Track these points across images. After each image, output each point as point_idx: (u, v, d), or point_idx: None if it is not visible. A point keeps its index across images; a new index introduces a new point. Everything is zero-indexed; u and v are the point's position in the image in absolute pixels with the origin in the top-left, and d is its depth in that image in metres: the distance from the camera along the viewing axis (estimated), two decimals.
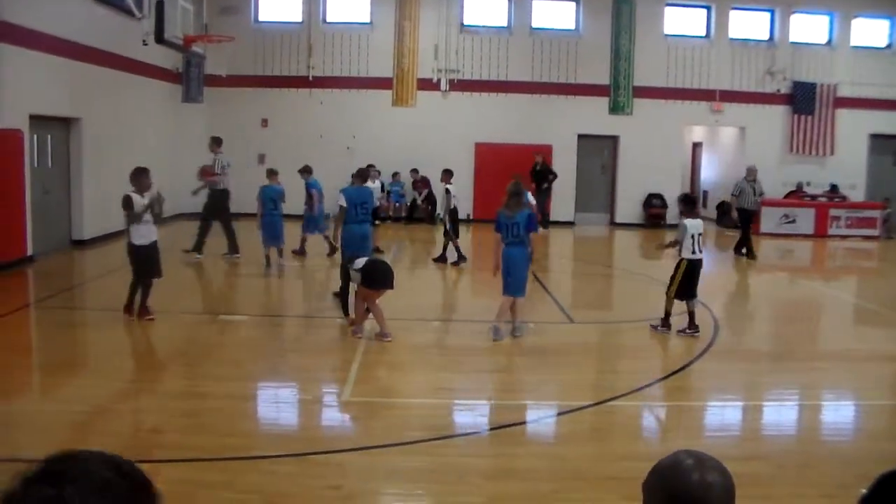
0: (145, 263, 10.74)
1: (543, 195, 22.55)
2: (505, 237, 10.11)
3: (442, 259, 16.19)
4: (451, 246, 16.13)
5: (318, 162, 22.21)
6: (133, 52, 18.21)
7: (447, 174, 16.49)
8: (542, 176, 22.85)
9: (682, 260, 10.44)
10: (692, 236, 10.33)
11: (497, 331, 10.16)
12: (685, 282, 10.43)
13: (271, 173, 15.65)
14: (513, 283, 10.21)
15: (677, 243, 10.54)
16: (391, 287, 10.06)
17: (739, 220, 18.55)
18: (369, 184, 14.08)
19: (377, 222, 16.09)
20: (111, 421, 7.10)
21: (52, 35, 15.19)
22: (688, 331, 10.47)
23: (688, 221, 10.45)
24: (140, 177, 10.50)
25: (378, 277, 9.94)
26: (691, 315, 10.52)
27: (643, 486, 1.96)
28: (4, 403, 7.43)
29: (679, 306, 10.64)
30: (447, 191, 16.18)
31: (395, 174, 23.80)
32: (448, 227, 16.03)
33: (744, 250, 18.35)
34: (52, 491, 1.25)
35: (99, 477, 1.30)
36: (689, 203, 10.97)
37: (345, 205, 11.52)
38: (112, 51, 17.73)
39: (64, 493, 1.25)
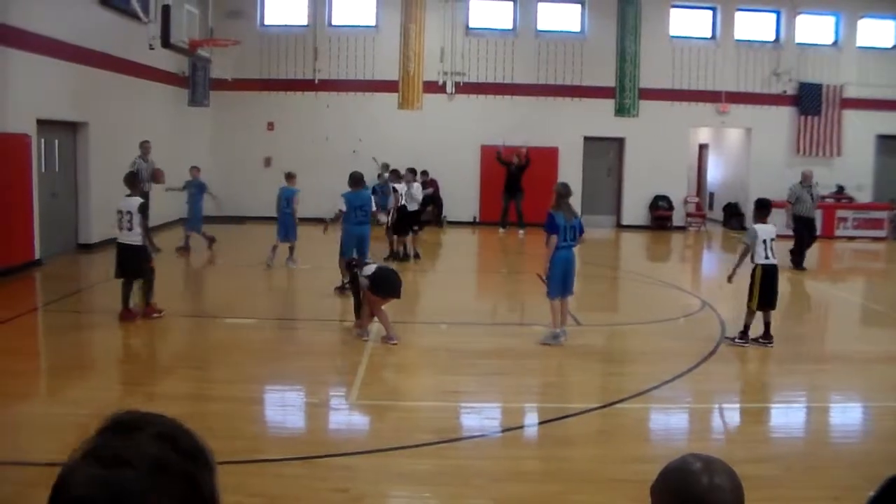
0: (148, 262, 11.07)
1: (520, 194, 22.18)
2: (563, 240, 10.03)
3: (394, 257, 16.44)
4: (407, 242, 16.72)
5: (324, 165, 22.37)
6: (139, 56, 18.26)
7: (411, 174, 17.20)
8: (518, 176, 22.35)
9: (756, 266, 10.17)
10: (764, 241, 10.09)
11: (559, 335, 10.11)
12: (765, 290, 10.13)
13: (289, 176, 16.18)
14: (570, 285, 10.28)
15: (747, 250, 10.29)
16: (398, 296, 10.09)
17: (797, 228, 17.15)
18: (402, 186, 15.85)
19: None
20: None
21: (58, 40, 15.24)
22: (761, 340, 10.18)
23: (758, 226, 10.21)
24: (135, 180, 11.29)
25: (386, 286, 9.97)
26: (767, 325, 10.21)
27: (651, 489, 1.95)
28: (12, 406, 7.45)
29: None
30: (394, 189, 16.64)
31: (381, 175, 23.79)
32: (389, 225, 16.56)
33: (797, 259, 17.06)
34: (107, 472, 1.20)
35: (155, 456, 1.24)
36: (764, 208, 10.61)
37: (344, 208, 12.27)
38: (118, 55, 17.77)
39: (118, 476, 1.20)
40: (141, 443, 1.26)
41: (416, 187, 16.84)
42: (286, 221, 15.63)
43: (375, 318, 10.17)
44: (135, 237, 10.81)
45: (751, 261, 10.30)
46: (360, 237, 12.58)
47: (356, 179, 12.95)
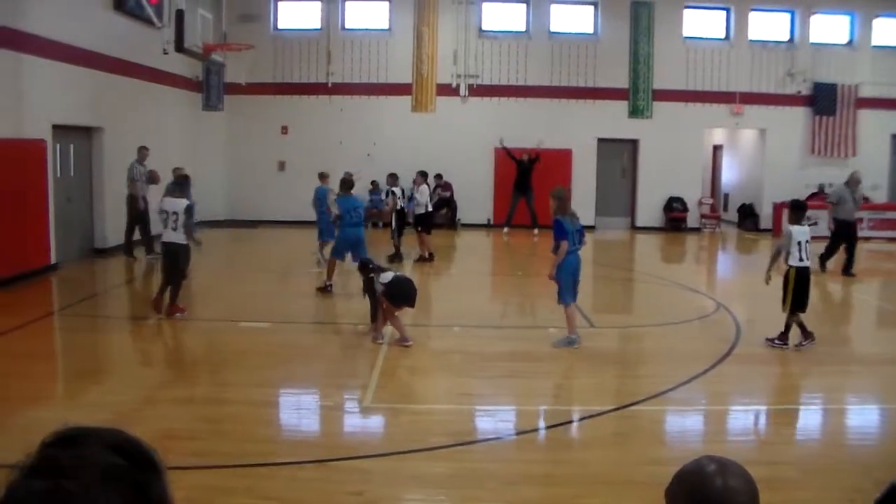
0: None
1: (531, 193, 22.04)
2: (572, 244, 10.04)
3: (398, 258, 16.66)
4: (422, 243, 16.93)
5: (337, 169, 22.41)
6: (153, 61, 18.34)
7: (421, 177, 17.23)
8: (530, 172, 22.29)
9: (790, 268, 10.07)
10: (798, 243, 10.00)
11: (574, 341, 10.10)
12: (798, 293, 10.03)
13: (322, 176, 16.75)
14: (577, 289, 10.31)
15: (779, 251, 10.18)
16: (412, 306, 10.16)
17: (837, 232, 16.38)
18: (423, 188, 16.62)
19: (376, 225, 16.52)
20: (133, 427, 7.00)
21: (73, 45, 15.34)
22: (804, 343, 10.09)
23: (794, 228, 10.11)
24: (186, 184, 12.12)
25: (401, 295, 10.02)
26: (802, 326, 10.13)
27: (666, 492, 1.94)
28: (29, 410, 7.48)
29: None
30: (391, 192, 16.92)
31: (374, 181, 23.82)
32: (394, 227, 16.94)
33: (823, 261, 16.38)
34: (51, 485, 1.14)
35: (101, 464, 1.19)
36: (800, 209, 10.47)
37: (338, 211, 13.26)
38: (133, 60, 17.87)
39: (63, 487, 1.14)
40: (86, 453, 1.21)
41: (423, 190, 16.82)
42: (323, 220, 15.91)
43: (389, 322, 10.20)
44: (179, 237, 11.27)
45: (784, 262, 10.19)
46: (355, 239, 13.07)
47: (347, 184, 13.62)
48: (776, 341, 10.20)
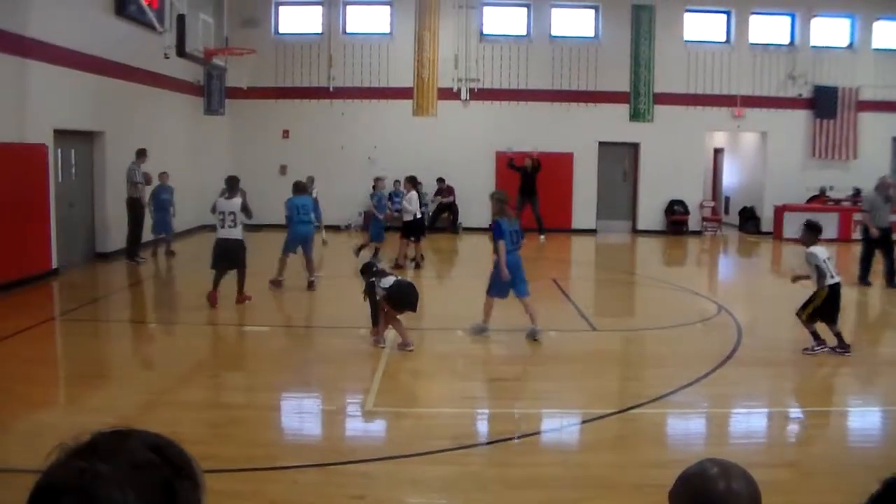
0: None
1: (536, 197, 22.05)
2: (510, 244, 10.55)
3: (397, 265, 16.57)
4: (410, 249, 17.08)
5: (339, 173, 22.45)
6: (155, 65, 18.37)
7: (409, 183, 17.05)
8: (533, 178, 22.25)
9: (823, 287, 9.97)
10: (825, 261, 9.95)
11: (485, 329, 10.64)
12: (827, 307, 10.00)
13: (378, 180, 18.17)
14: (523, 285, 10.80)
15: (820, 276, 9.98)
16: (413, 310, 10.15)
17: (870, 238, 15.62)
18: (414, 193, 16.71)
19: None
20: None
21: (74, 50, 15.37)
22: (838, 350, 10.01)
23: (816, 249, 10.07)
24: (236, 184, 12.92)
25: (403, 300, 10.03)
26: (838, 336, 10.06)
27: (669, 495, 1.95)
28: (32, 414, 7.49)
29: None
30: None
31: (396, 182, 23.86)
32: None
33: (864, 273, 15.73)
34: (86, 464, 1.23)
35: (136, 456, 1.27)
36: (816, 230, 10.46)
37: (288, 212, 14.14)
38: (134, 65, 17.90)
39: (97, 467, 1.22)
40: (126, 444, 1.29)
41: (412, 197, 16.68)
42: (375, 224, 17.08)
43: (391, 326, 10.20)
44: (237, 233, 12.54)
45: (817, 283, 10.02)
46: (304, 235, 14.12)
47: (299, 186, 14.65)
48: (816, 348, 10.06)
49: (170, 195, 17.63)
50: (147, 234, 17.34)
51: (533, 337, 10.47)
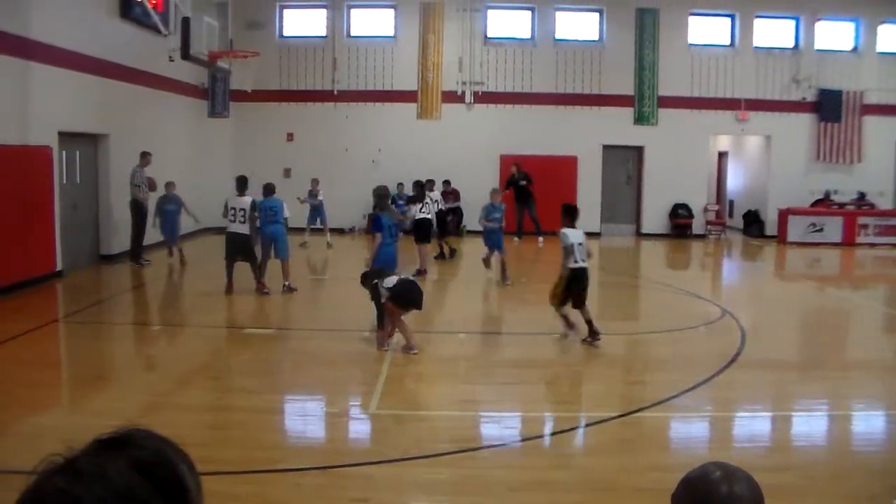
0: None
1: (531, 203, 22.31)
2: (388, 237, 11.27)
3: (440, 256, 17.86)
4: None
5: (343, 176, 22.45)
6: (159, 68, 18.42)
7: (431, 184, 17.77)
8: (524, 187, 22.44)
9: (565, 269, 10.34)
10: (574, 244, 10.22)
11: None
12: (569, 291, 10.36)
13: (428, 183, 17.93)
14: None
15: (566, 257, 10.32)
16: (419, 308, 10.14)
17: None
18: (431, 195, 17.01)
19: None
20: None
21: (79, 52, 15.40)
22: (588, 339, 10.39)
23: (569, 231, 10.35)
24: (245, 183, 13.89)
25: (407, 297, 10.03)
26: (589, 323, 10.39)
27: (672, 498, 1.94)
28: (34, 416, 7.50)
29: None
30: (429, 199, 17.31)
31: (400, 185, 23.86)
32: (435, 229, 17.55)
33: None
34: (65, 485, 1.17)
35: (120, 482, 1.19)
36: (572, 213, 10.73)
37: (255, 213, 13.94)
38: (139, 67, 17.94)
39: (76, 492, 1.16)
40: (113, 466, 1.22)
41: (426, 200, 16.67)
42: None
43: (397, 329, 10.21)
44: (246, 228, 13.39)
45: (562, 268, 10.44)
46: (272, 237, 14.02)
47: (267, 189, 14.46)
48: (566, 334, 10.58)
49: (176, 206, 17.23)
50: (157, 236, 17.29)
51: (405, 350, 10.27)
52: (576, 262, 10.26)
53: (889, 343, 12.13)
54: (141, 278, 15.83)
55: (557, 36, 24.45)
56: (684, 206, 24.74)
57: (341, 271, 16.78)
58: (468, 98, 23.90)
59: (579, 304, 10.41)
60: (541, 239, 21.41)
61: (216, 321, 12.25)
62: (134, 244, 16.69)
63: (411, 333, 10.04)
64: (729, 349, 10.32)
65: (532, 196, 22.14)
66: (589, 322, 10.39)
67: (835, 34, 24.85)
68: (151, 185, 16.85)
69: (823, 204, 24.19)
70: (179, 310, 13.58)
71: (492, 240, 15.36)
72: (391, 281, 10.06)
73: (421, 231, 16.45)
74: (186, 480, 1.29)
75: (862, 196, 24.35)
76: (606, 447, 7.12)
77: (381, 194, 12.06)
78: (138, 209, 16.53)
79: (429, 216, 16.66)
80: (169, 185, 17.36)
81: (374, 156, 23.75)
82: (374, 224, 11.62)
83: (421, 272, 15.62)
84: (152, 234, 17.14)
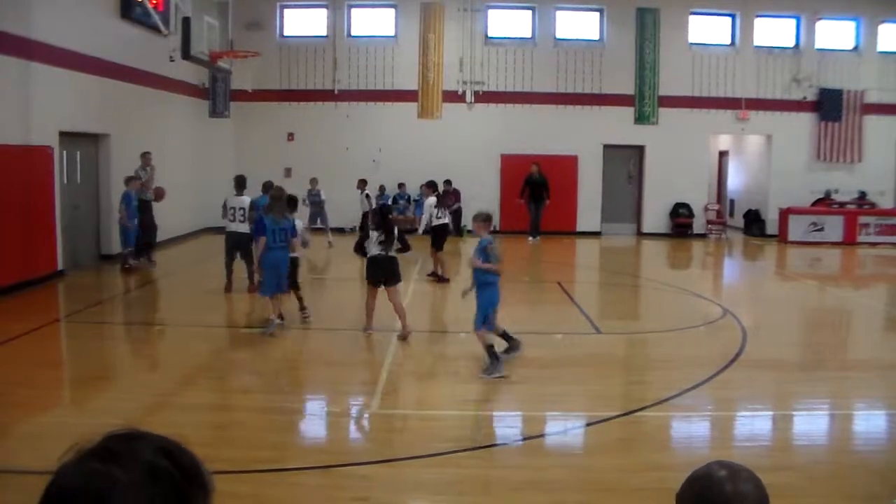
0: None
1: (541, 205, 22.58)
2: (273, 241, 10.83)
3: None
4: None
5: (344, 175, 22.45)
6: (160, 68, 18.41)
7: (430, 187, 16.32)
8: (540, 186, 22.64)
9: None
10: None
11: (273, 324, 10.92)
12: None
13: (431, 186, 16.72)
14: (284, 284, 11.25)
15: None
16: (379, 282, 10.56)
17: None
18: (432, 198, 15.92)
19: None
20: None
21: (80, 53, 15.40)
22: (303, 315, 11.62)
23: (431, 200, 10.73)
24: (243, 183, 13.85)
25: (370, 270, 10.66)
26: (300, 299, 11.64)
27: (676, 497, 1.95)
28: (36, 416, 7.50)
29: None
30: (367, 195, 17.88)
31: (401, 184, 23.85)
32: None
33: None
34: (101, 467, 1.24)
35: (150, 462, 1.27)
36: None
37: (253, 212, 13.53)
38: (139, 67, 17.95)
39: (111, 471, 1.23)
40: (140, 449, 1.29)
41: (430, 202, 16.15)
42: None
43: (398, 319, 10.44)
44: (245, 227, 13.15)
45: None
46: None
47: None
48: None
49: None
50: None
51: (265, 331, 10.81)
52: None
53: (889, 343, 12.12)
54: (142, 279, 15.79)
55: (558, 35, 24.46)
56: (685, 206, 24.75)
57: (342, 271, 16.77)
58: (469, 98, 23.90)
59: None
60: (531, 238, 21.62)
61: (217, 321, 12.26)
62: (136, 244, 16.56)
63: (372, 316, 10.72)
64: (730, 349, 10.32)
65: (544, 199, 22.33)
66: (301, 299, 11.51)
67: (835, 33, 24.86)
68: (158, 195, 16.68)
69: (824, 203, 24.19)
70: (181, 309, 13.56)
71: (491, 296, 9.87)
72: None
73: (439, 237, 15.65)
74: (202, 466, 1.37)
75: (862, 195, 24.36)
76: (606, 447, 7.12)
77: (274, 196, 11.35)
78: (141, 209, 16.43)
79: (446, 221, 15.98)
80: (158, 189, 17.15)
81: (374, 155, 23.76)
82: (256, 226, 11.17)
83: (442, 279, 15.38)
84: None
